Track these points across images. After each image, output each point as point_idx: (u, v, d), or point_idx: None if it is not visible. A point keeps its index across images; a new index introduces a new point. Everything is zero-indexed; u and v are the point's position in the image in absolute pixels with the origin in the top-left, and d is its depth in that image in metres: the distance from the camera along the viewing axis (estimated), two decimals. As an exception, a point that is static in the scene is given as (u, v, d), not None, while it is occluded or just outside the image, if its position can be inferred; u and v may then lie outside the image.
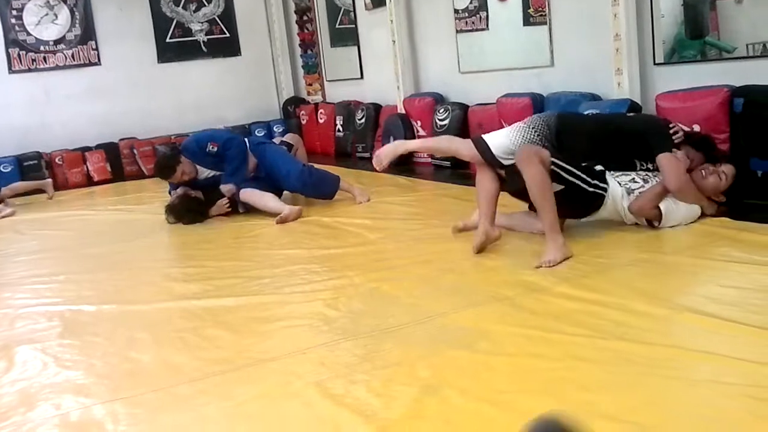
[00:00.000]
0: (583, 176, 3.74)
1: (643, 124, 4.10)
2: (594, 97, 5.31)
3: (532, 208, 3.85)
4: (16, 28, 8.84)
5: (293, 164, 5.73)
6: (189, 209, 5.53)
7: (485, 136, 4.05)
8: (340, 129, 8.70)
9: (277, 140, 6.31)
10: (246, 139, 5.87)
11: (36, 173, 8.47)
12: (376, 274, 3.62)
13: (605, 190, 3.79)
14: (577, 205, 3.80)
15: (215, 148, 5.56)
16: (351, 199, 5.64)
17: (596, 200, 3.80)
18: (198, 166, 5.63)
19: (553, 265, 3.40)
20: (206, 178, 5.68)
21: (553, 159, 3.64)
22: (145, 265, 4.56)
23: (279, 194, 5.67)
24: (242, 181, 5.58)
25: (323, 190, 5.69)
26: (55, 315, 3.54)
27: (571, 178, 3.69)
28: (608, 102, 5.08)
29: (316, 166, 6.08)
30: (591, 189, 3.76)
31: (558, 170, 3.64)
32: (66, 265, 4.62)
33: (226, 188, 5.55)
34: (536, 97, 5.74)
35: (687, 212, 3.80)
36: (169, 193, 5.82)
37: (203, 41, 9.74)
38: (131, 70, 9.32)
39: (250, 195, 5.53)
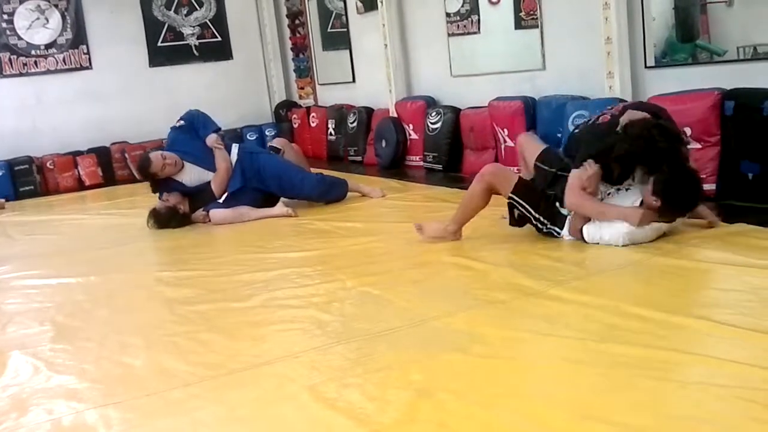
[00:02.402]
0: (541, 219, 3.85)
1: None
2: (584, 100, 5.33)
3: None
4: (7, 32, 8.81)
5: (304, 172, 5.87)
6: (172, 220, 5.49)
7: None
8: (332, 132, 8.70)
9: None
10: (237, 145, 5.85)
11: (27, 177, 8.46)
12: (369, 278, 3.61)
13: (558, 233, 3.84)
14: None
15: (181, 122, 5.72)
16: (352, 200, 5.71)
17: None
18: (186, 165, 5.57)
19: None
20: (193, 185, 5.63)
21: (511, 195, 3.85)
22: (137, 269, 4.54)
23: (271, 203, 5.63)
24: (217, 127, 5.73)
25: (336, 193, 5.79)
26: (46, 319, 3.52)
27: (527, 214, 3.87)
28: (596, 101, 5.11)
29: (313, 170, 6.20)
30: (546, 230, 3.88)
31: (516, 204, 3.87)
32: (57, 269, 4.60)
33: (211, 140, 5.60)
34: (528, 101, 5.76)
35: (612, 230, 3.60)
36: (159, 198, 5.75)
37: (195, 45, 9.73)
38: (123, 74, 9.30)
39: (222, 216, 5.47)
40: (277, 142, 6.37)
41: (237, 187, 5.57)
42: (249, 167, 5.64)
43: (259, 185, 5.65)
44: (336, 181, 5.90)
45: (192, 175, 5.63)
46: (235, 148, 5.77)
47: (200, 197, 5.61)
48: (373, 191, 5.85)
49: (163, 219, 5.49)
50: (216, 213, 5.48)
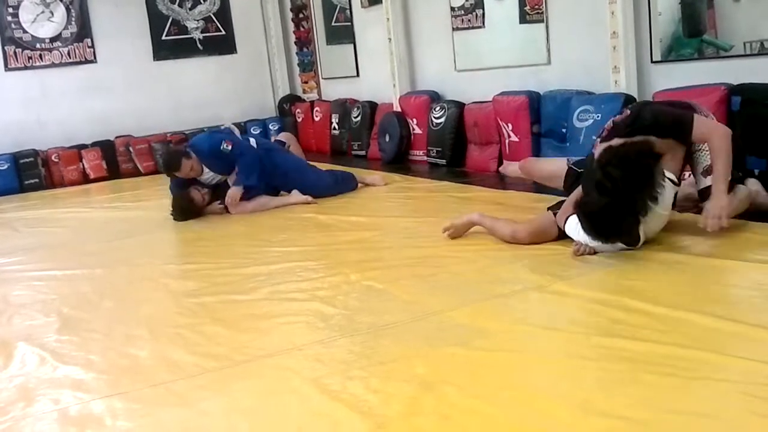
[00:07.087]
0: None
1: None
2: (590, 95, 5.33)
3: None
4: (12, 25, 8.82)
5: (318, 171, 6.03)
6: (188, 209, 5.54)
7: None
8: (336, 127, 8.70)
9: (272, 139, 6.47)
10: (253, 139, 6.00)
11: (32, 171, 8.49)
12: (373, 272, 3.62)
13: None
14: None
15: (230, 147, 5.54)
16: (355, 194, 5.80)
17: None
18: (204, 168, 5.60)
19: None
20: (210, 182, 5.67)
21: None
22: (142, 261, 4.55)
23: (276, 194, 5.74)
24: (256, 185, 5.59)
25: (349, 187, 5.95)
26: (52, 311, 3.54)
27: None
28: (601, 96, 5.10)
29: (312, 163, 6.29)
30: None
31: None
32: (63, 262, 4.61)
33: (234, 191, 5.53)
34: (533, 95, 5.75)
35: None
36: (170, 189, 5.79)
37: (199, 39, 9.73)
38: (127, 67, 9.31)
39: (242, 208, 5.54)
40: (283, 137, 6.55)
41: (256, 186, 5.63)
42: (268, 164, 5.71)
43: (269, 180, 5.71)
44: (346, 176, 6.04)
45: (209, 176, 5.69)
46: (253, 142, 5.89)
47: (219, 191, 5.68)
48: (375, 180, 6.08)
49: (192, 210, 5.55)
50: (238, 208, 5.56)
